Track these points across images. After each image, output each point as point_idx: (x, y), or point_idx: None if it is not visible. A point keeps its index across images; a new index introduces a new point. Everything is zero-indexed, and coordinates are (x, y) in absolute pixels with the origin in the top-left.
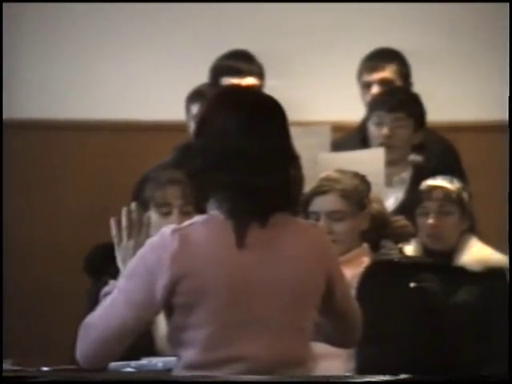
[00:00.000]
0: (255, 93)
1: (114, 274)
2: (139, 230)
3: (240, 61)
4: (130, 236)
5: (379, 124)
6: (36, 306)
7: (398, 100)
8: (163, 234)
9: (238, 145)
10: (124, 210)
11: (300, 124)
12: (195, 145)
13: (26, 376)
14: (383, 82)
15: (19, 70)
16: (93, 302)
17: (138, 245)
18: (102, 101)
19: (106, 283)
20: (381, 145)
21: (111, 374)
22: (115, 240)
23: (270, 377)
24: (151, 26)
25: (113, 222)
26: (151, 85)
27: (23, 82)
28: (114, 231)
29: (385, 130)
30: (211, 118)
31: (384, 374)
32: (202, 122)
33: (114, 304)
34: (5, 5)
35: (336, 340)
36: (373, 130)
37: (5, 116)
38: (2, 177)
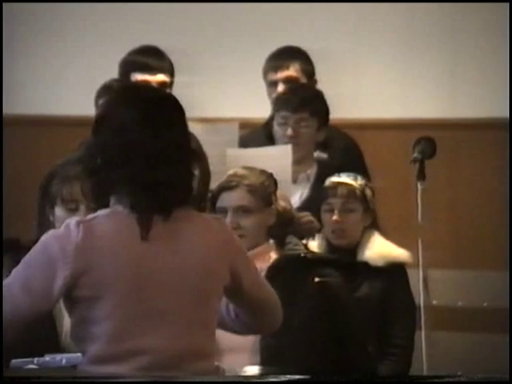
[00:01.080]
0: (152, 89)
1: None
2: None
3: (150, 57)
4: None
5: (284, 124)
6: None
7: (300, 100)
8: (68, 225)
9: (136, 140)
10: None
11: (208, 121)
12: (94, 142)
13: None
14: (288, 81)
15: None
16: None
17: None
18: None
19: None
20: (286, 144)
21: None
22: None
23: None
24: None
25: None
26: None
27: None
28: None
29: (289, 131)
30: (109, 114)
31: (288, 366)
32: (100, 118)
33: (10, 290)
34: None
35: (256, 327)
36: (278, 129)
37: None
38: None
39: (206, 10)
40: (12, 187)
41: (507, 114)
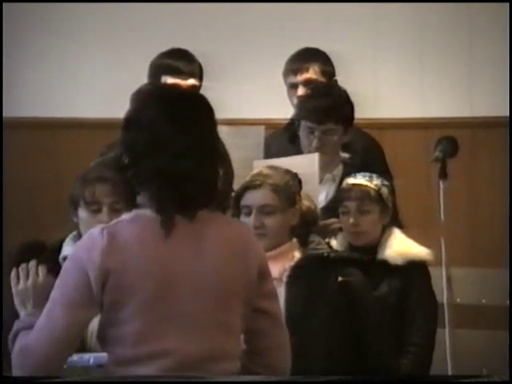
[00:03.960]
0: (181, 89)
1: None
2: (36, 271)
3: (180, 60)
4: (27, 276)
5: (310, 133)
6: None
7: (325, 110)
8: (91, 233)
9: (163, 137)
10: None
11: (233, 123)
12: (122, 140)
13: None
14: (308, 83)
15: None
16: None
17: (35, 283)
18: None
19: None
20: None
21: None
22: (12, 283)
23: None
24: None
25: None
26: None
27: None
28: (12, 275)
29: (315, 143)
30: (137, 113)
31: (310, 365)
32: (129, 118)
33: (52, 315)
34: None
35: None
36: (303, 137)
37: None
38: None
39: (226, 13)
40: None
41: None
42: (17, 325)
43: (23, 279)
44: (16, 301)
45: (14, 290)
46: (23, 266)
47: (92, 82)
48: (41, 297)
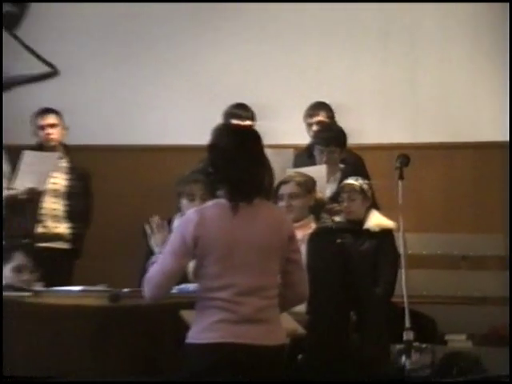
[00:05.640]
0: (242, 127)
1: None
2: (163, 227)
3: (241, 109)
4: (158, 231)
5: (320, 153)
6: None
7: (329, 138)
8: (189, 213)
9: (233, 158)
10: (152, 220)
11: (274, 147)
12: (208, 158)
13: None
14: (319, 123)
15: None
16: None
17: (162, 237)
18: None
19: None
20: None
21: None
22: (151, 233)
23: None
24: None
25: (147, 225)
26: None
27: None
28: (149, 229)
29: (324, 158)
30: (217, 142)
31: (320, 294)
32: (212, 144)
33: (166, 259)
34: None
35: (289, 296)
36: (317, 155)
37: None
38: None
39: (269, 76)
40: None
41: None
42: (152, 259)
43: (157, 229)
44: (151, 241)
45: (151, 235)
46: (159, 221)
47: (183, 119)
48: (164, 243)
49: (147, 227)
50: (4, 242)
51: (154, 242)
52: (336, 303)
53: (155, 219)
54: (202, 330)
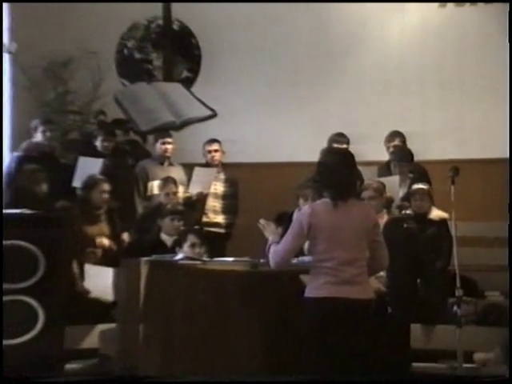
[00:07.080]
0: (340, 149)
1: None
2: (269, 225)
3: (340, 137)
4: (267, 227)
5: (395, 167)
6: None
7: (401, 156)
8: (304, 208)
9: (334, 170)
10: (260, 221)
11: (362, 164)
12: (317, 171)
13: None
14: (395, 146)
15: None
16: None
17: (270, 229)
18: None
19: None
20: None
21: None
22: (263, 228)
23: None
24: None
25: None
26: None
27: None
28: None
29: (397, 171)
30: (324, 159)
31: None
32: (320, 161)
33: (287, 239)
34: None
35: (374, 264)
36: (393, 168)
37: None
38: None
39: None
40: None
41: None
42: (271, 241)
43: (267, 226)
44: (265, 233)
45: (264, 230)
46: (266, 221)
47: (302, 143)
48: (271, 234)
49: (260, 225)
50: (182, 228)
51: (267, 233)
52: (406, 270)
53: (262, 221)
54: (314, 288)
